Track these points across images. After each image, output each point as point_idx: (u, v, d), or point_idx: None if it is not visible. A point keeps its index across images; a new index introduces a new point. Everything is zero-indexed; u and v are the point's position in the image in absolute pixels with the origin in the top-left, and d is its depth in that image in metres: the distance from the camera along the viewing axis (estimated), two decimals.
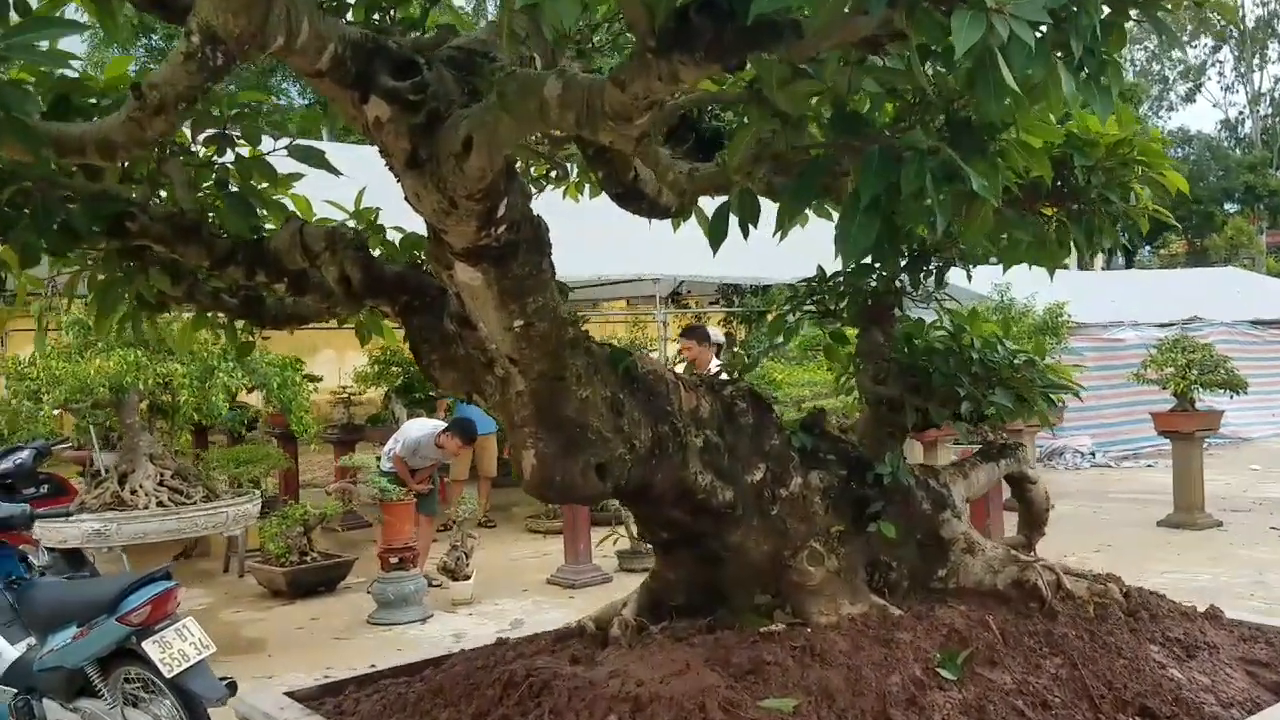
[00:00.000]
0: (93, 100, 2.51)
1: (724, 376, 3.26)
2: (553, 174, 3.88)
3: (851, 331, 3.82)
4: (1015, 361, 3.37)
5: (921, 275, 3.39)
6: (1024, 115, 2.23)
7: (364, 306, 3.00)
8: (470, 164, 2.32)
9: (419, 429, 8.70)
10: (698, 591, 3.38)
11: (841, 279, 3.66)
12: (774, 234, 2.41)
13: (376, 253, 3.24)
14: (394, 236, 3.42)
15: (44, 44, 1.49)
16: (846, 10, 1.79)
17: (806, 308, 3.78)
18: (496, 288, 2.60)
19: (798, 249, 3.69)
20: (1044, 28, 1.75)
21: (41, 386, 7.26)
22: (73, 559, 7.17)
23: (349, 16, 3.17)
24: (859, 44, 2.01)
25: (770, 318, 3.84)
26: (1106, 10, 1.99)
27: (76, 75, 2.45)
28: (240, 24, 1.84)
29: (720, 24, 1.94)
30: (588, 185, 4.21)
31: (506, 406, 2.78)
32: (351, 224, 3.32)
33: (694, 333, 8.52)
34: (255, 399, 11.73)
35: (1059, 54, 1.88)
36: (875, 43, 2.00)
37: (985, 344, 3.41)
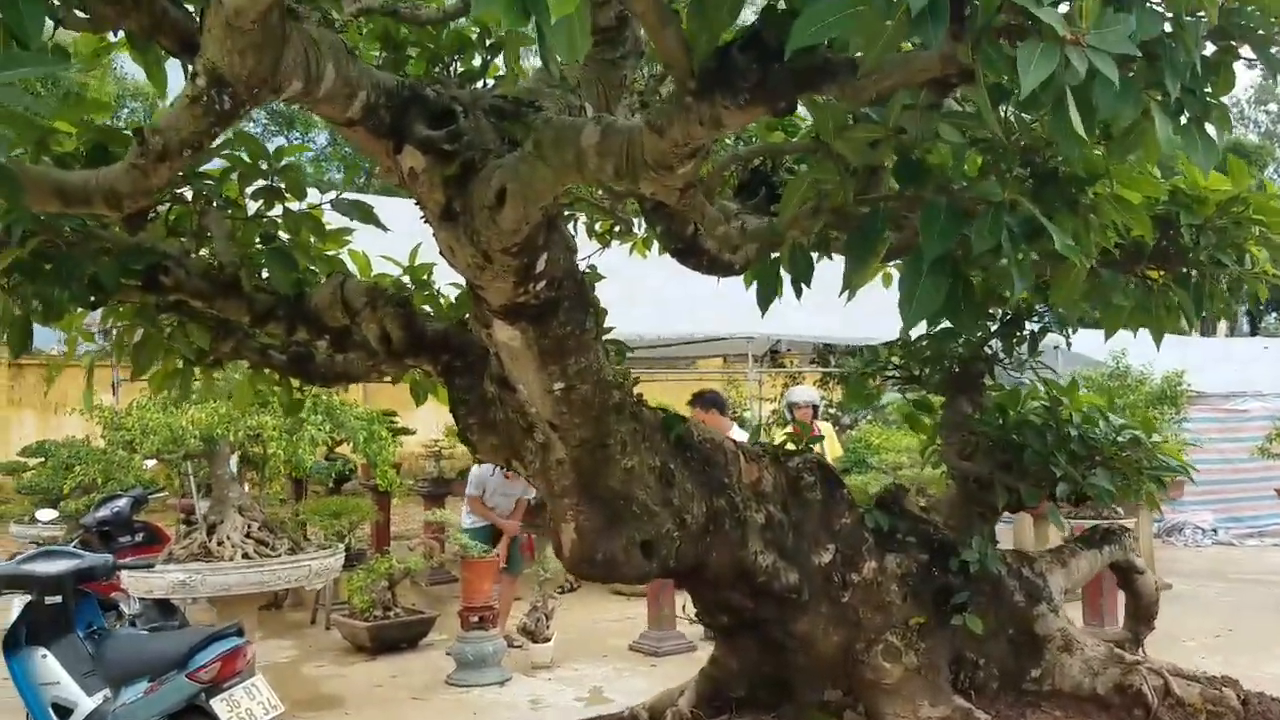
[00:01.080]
0: None
1: (790, 446, 3.01)
2: (617, 229, 3.73)
3: (938, 400, 3.54)
4: (1119, 439, 3.03)
5: (1015, 340, 3.10)
6: (1118, 166, 1.97)
7: (406, 365, 2.87)
8: (504, 216, 2.18)
9: (484, 466, 8.53)
10: (761, 683, 3.11)
11: (925, 343, 3.39)
12: (840, 294, 2.19)
13: (426, 308, 3.13)
14: (451, 292, 3.31)
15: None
16: (905, 45, 1.58)
17: (889, 373, 3.52)
18: (536, 348, 2.44)
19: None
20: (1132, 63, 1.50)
21: (135, 437, 7.41)
22: (164, 608, 7.26)
23: (408, 69, 3.13)
24: (926, 85, 1.79)
25: (850, 383, 3.59)
26: (1210, 47, 1.72)
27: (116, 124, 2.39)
28: (249, 65, 1.73)
29: (767, 63, 1.75)
30: (656, 242, 4.07)
31: (546, 475, 2.60)
32: (405, 279, 3.22)
33: (706, 400, 7.47)
34: (343, 447, 11.88)
35: (1155, 95, 1.63)
36: (944, 84, 1.78)
37: (1085, 419, 3.08)
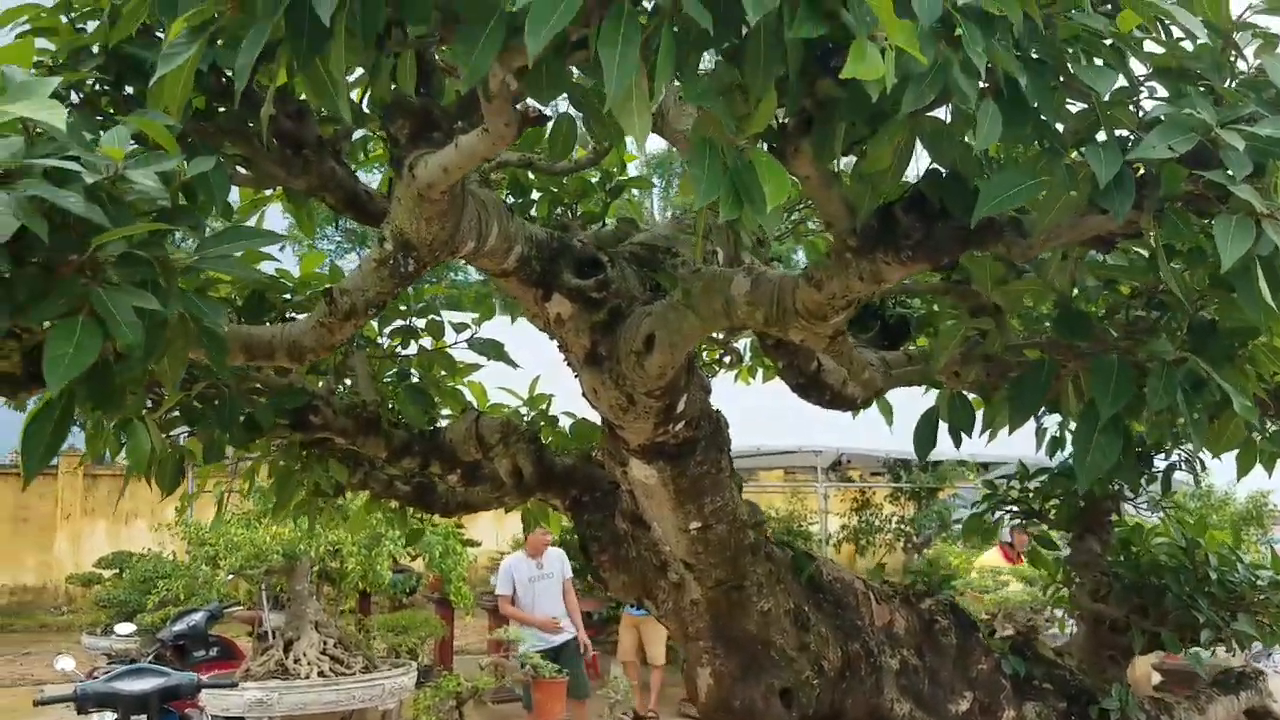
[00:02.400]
0: (286, 296, 2.58)
1: (920, 586, 2.95)
2: (725, 359, 3.78)
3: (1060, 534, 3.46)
4: (1259, 582, 2.92)
5: (1144, 478, 3.04)
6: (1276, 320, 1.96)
7: (534, 499, 2.90)
8: (651, 361, 2.23)
9: (513, 556, 8.05)
10: None
11: (1047, 477, 3.34)
12: (981, 433, 2.18)
13: (548, 440, 3.17)
14: (565, 422, 3.36)
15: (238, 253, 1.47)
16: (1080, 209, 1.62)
17: (1008, 507, 3.46)
18: (673, 486, 2.45)
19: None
20: None
21: (220, 552, 7.50)
22: None
23: (533, 212, 3.25)
24: (1088, 242, 1.82)
25: (967, 516, 3.54)
26: None
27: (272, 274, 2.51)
28: (434, 231, 1.82)
29: (930, 221, 1.80)
30: (760, 369, 4.10)
31: (680, 616, 2.58)
32: (525, 411, 3.28)
33: None
34: (416, 561, 11.86)
35: None
36: (1108, 241, 1.81)
37: (1222, 560, 2.98)
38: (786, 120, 1.72)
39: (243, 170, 2.44)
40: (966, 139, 1.54)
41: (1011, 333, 2.11)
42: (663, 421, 2.36)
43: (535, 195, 3.27)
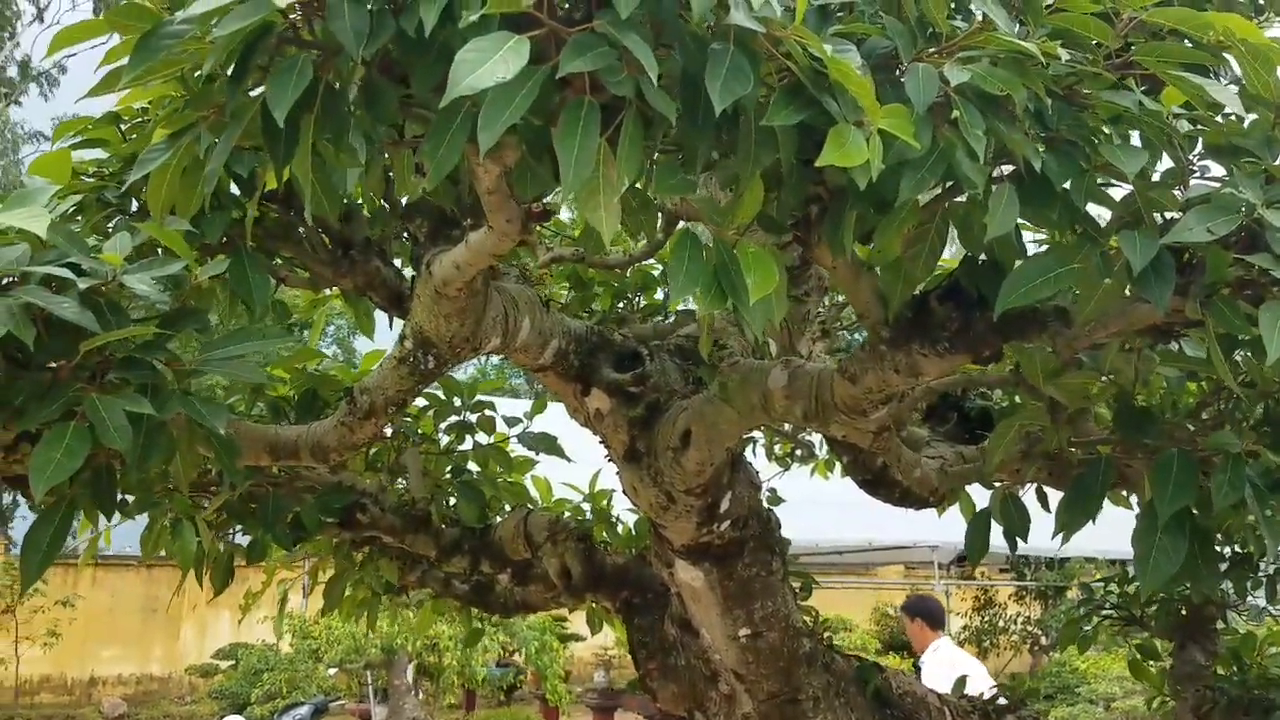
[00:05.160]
0: (340, 394, 2.60)
1: (1002, 700, 2.72)
2: (798, 452, 3.65)
3: (1165, 644, 3.17)
4: None
5: (1248, 584, 2.77)
6: None
7: (585, 600, 2.82)
8: (688, 458, 2.15)
9: None
10: None
11: None
12: (1053, 537, 2.01)
13: (604, 536, 3.10)
14: (631, 519, 3.28)
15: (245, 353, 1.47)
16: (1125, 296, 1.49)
17: (1106, 612, 3.19)
18: (720, 590, 2.34)
19: (1109, 519, 3.15)
20: None
21: (321, 645, 7.61)
22: None
23: (595, 305, 3.24)
24: (1144, 332, 1.68)
25: (1064, 624, 3.28)
26: None
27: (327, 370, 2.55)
28: (454, 328, 1.81)
29: (968, 311, 1.69)
30: (839, 463, 3.95)
31: None
32: (585, 506, 3.22)
33: (911, 606, 6.03)
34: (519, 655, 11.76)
35: None
36: (1165, 331, 1.67)
37: None
38: (809, 211, 1.66)
39: (301, 272, 2.51)
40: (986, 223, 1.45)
41: (1079, 427, 1.96)
42: (705, 521, 2.27)
43: (598, 289, 3.28)
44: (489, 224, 1.57)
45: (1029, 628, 15.47)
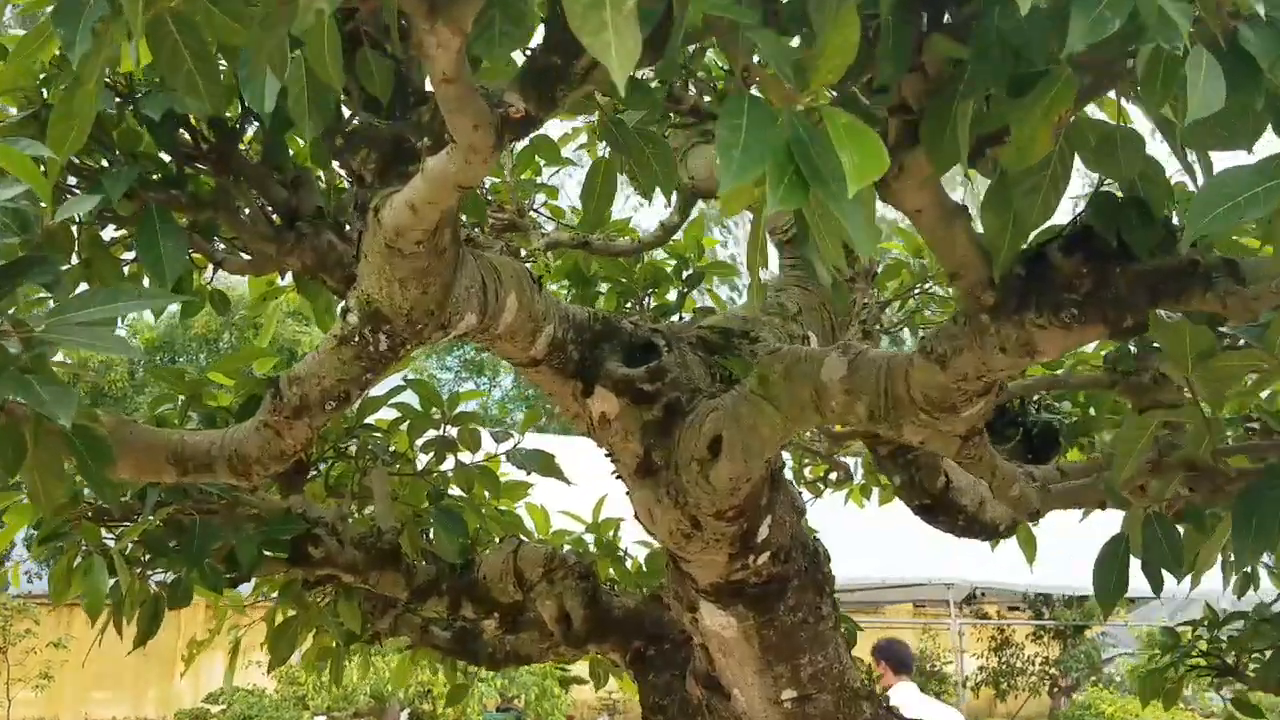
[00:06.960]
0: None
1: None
2: (832, 475, 3.20)
3: (1265, 696, 2.70)
4: None
5: None
6: None
7: (587, 651, 2.35)
8: (718, 472, 1.69)
9: None
10: None
11: (1245, 624, 2.62)
12: (1182, 579, 1.55)
13: (611, 572, 2.65)
14: (641, 552, 2.83)
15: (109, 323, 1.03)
16: None
17: (1194, 659, 2.73)
18: (757, 640, 1.87)
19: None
20: None
21: (308, 692, 7.12)
22: None
23: (598, 305, 2.81)
24: None
25: (1145, 673, 2.82)
26: None
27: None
28: (413, 296, 1.36)
29: (1103, 265, 1.25)
30: (876, 489, 3.50)
31: None
32: (588, 537, 2.77)
33: (879, 649, 5.71)
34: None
35: None
36: None
37: None
38: (884, 131, 1.22)
39: (244, 255, 2.08)
40: (1165, 113, 1.01)
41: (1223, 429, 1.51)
42: (739, 553, 1.80)
43: (601, 287, 2.85)
44: (451, 137, 1.13)
45: (1048, 668, 14.87)
